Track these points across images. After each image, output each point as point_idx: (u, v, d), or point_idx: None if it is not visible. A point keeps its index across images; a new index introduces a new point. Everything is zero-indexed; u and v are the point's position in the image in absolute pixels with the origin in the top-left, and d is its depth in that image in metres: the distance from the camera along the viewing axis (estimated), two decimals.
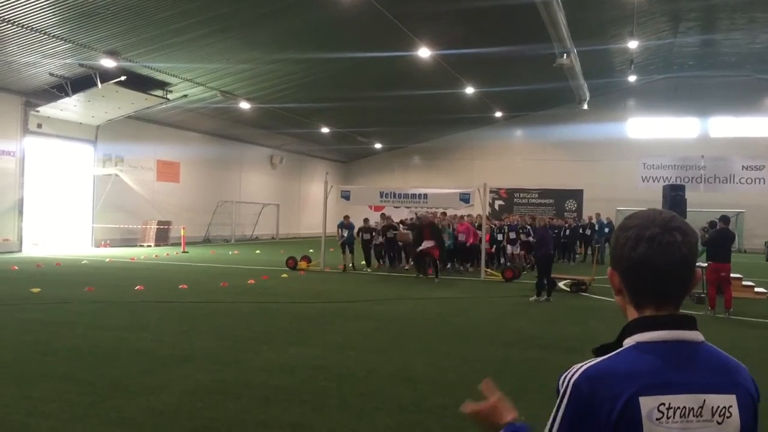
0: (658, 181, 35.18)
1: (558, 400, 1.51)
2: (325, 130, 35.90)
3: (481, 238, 19.54)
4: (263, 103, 28.56)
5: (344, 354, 8.41)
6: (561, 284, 16.54)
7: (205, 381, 6.82)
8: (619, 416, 1.42)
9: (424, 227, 18.05)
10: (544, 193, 41.00)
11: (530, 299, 13.90)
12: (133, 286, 14.22)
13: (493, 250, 22.06)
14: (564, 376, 1.52)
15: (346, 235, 20.19)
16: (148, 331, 9.70)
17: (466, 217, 22.05)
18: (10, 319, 10.31)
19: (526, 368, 7.88)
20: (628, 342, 1.52)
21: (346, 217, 20.64)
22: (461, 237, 19.91)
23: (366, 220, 21.04)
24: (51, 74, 22.06)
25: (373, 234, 20.87)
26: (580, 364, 1.52)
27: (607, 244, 26.07)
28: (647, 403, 1.43)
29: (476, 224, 21.00)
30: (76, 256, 22.46)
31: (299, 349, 8.62)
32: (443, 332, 10.28)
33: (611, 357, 1.50)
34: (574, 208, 38.96)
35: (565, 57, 22.45)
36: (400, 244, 20.87)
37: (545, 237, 14.45)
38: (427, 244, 17.52)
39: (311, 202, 41.59)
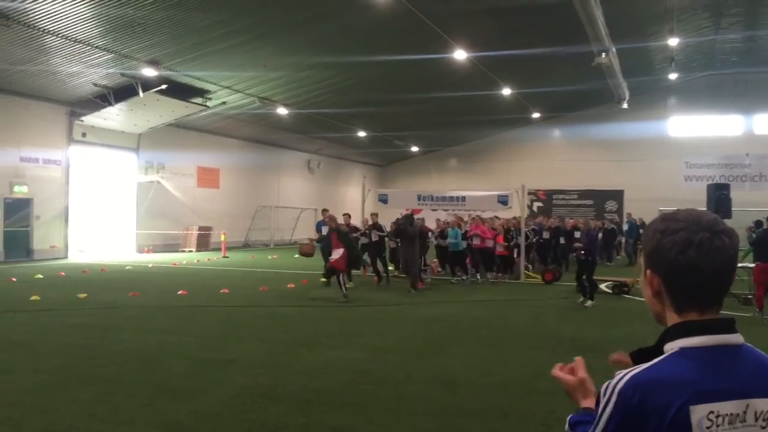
0: (702, 181, 34.37)
1: (601, 407, 1.48)
2: (361, 133, 36.05)
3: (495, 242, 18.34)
4: (300, 109, 28.81)
5: (384, 357, 8.44)
6: (602, 286, 16.31)
7: (247, 384, 6.91)
8: (670, 426, 1.40)
9: (331, 233, 14.87)
10: (583, 194, 40.49)
11: (580, 302, 13.61)
12: (176, 290, 14.47)
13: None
14: (607, 383, 1.50)
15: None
16: (191, 335, 9.87)
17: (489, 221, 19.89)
18: (58, 324, 10.59)
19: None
20: (671, 347, 1.49)
21: (346, 215, 17.99)
22: (476, 241, 17.52)
23: (347, 216, 17.80)
24: (94, 84, 22.61)
25: (358, 234, 17.74)
26: (624, 371, 1.50)
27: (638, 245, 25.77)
28: (697, 412, 1.41)
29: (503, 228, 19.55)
30: (120, 262, 22.94)
31: (339, 352, 8.67)
32: (482, 335, 10.23)
33: (657, 364, 1.48)
34: (614, 209, 38.41)
35: (603, 56, 22.15)
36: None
37: (592, 240, 14.28)
38: (336, 254, 14.22)
39: (349, 206, 41.76)
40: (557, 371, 1.80)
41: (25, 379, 7.04)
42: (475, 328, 10.86)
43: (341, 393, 6.66)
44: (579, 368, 1.78)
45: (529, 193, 36.96)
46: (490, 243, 17.78)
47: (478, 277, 17.95)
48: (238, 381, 7.05)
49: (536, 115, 37.77)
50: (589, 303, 13.51)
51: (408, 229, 16.29)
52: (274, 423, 5.68)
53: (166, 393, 6.56)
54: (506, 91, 30.25)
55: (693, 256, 1.47)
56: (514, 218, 20.86)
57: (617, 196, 39.39)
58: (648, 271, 1.58)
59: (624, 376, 1.48)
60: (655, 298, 1.59)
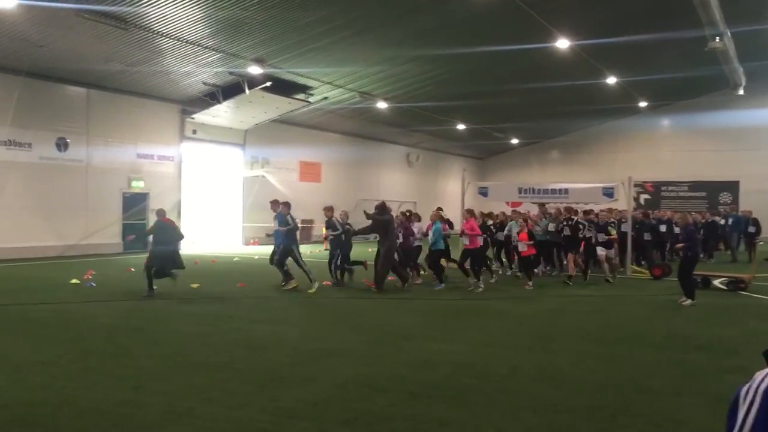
0: None
1: (744, 411, 1.42)
2: (461, 126, 35.85)
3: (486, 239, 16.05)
4: (399, 102, 28.97)
5: (486, 351, 8.39)
6: (716, 282, 15.52)
7: (351, 374, 7.05)
8: None
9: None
10: (695, 185, 38.64)
11: (682, 302, 12.62)
12: (280, 281, 14.86)
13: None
14: (749, 384, 1.44)
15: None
16: (295, 325, 10.18)
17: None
18: (175, 312, 11.18)
19: (681, 370, 7.48)
20: None
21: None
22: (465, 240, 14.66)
23: (328, 210, 15.03)
24: (204, 83, 23.65)
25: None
26: (764, 371, 1.43)
27: (741, 241, 23.71)
28: None
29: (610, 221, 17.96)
30: (228, 253, 23.88)
31: (440, 345, 8.69)
32: (587, 331, 9.97)
33: None
34: (729, 201, 36.41)
35: (717, 40, 21.01)
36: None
37: (692, 235, 13.36)
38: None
39: (448, 199, 41.66)
40: None
41: (145, 363, 7.47)
42: (579, 324, 10.60)
43: (444, 385, 6.68)
44: None
45: (636, 185, 35.56)
46: (480, 241, 14.77)
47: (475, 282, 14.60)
48: (343, 371, 7.21)
49: (643, 103, 36.32)
50: (687, 302, 12.56)
51: (376, 221, 14.13)
52: (379, 413, 5.76)
53: (275, 380, 6.79)
54: (611, 80, 29.26)
55: None
56: (601, 211, 18.94)
57: (732, 187, 37.35)
58: None
59: (766, 376, 1.41)
60: None
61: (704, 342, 9.21)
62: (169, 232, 13.25)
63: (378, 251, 14.59)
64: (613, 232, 16.87)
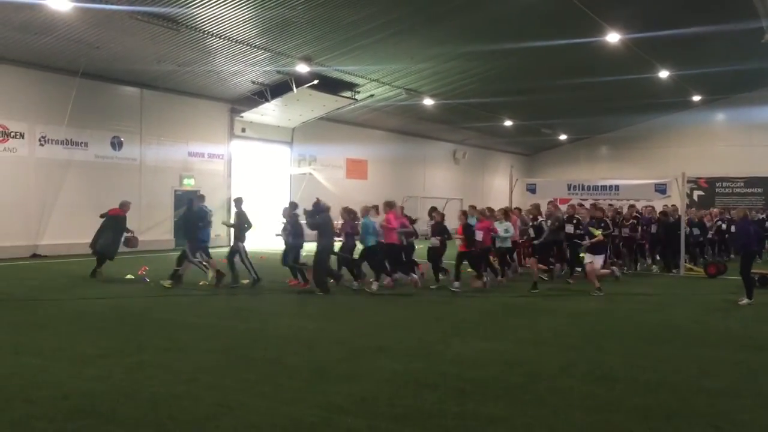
0: None
1: None
2: (508, 123, 35.50)
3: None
4: (446, 99, 28.85)
5: (536, 350, 8.31)
6: None
7: (400, 371, 7.06)
8: None
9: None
10: (750, 181, 37.45)
11: (739, 302, 12.26)
12: (328, 278, 14.92)
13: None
14: None
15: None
16: (344, 322, 10.25)
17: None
18: (225, 308, 11.39)
19: (738, 370, 7.29)
20: None
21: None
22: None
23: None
24: (253, 82, 23.97)
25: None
26: None
27: None
28: None
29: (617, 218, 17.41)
30: (277, 250, 24.11)
31: (489, 343, 8.65)
32: (639, 330, 9.79)
33: None
34: None
35: None
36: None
37: (744, 230, 12.89)
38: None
39: (495, 196, 41.35)
40: None
41: (199, 358, 7.62)
42: (631, 323, 10.41)
43: (494, 383, 6.64)
44: None
45: (689, 181, 34.71)
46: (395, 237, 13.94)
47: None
48: (392, 367, 7.23)
49: (697, 98, 35.36)
50: (744, 301, 12.18)
51: (310, 221, 13.62)
52: (429, 410, 5.77)
53: (324, 375, 6.86)
54: (663, 74, 28.56)
55: None
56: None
57: None
58: None
59: None
60: None
61: (762, 341, 8.95)
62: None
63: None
64: (597, 233, 13.99)
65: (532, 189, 20.29)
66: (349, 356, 7.78)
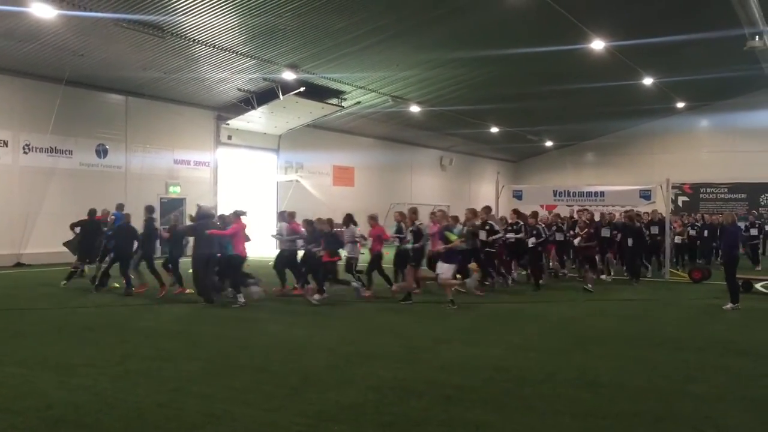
0: None
1: None
2: (494, 129, 35.66)
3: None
4: (432, 106, 28.94)
5: (523, 355, 8.32)
6: (758, 286, 15.19)
7: (387, 378, 7.04)
8: None
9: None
10: (734, 187, 37.84)
11: (724, 307, 12.27)
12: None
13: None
14: None
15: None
16: (331, 329, 10.22)
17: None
18: (211, 316, 11.32)
19: (724, 375, 7.32)
20: None
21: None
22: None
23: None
24: (239, 89, 23.94)
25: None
26: None
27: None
28: None
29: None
30: (263, 257, 24.04)
31: (478, 349, 8.65)
32: (626, 335, 9.83)
33: None
34: None
35: (757, 39, 20.55)
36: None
37: (734, 235, 12.96)
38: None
39: (481, 203, 41.43)
40: None
41: (184, 366, 7.57)
42: (617, 328, 10.46)
43: (481, 389, 6.64)
44: None
45: (674, 187, 34.98)
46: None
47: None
48: (379, 374, 7.21)
49: (681, 104, 35.71)
50: (728, 306, 12.19)
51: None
52: (415, 417, 5.75)
53: (311, 383, 6.82)
54: (647, 81, 28.84)
55: None
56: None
57: None
58: None
59: None
60: None
61: (748, 347, 9.01)
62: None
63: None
64: (453, 237, 12.64)
65: (518, 195, 20.36)
66: (337, 364, 7.75)
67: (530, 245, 15.43)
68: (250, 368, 7.48)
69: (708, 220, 22.20)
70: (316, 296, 12.62)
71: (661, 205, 19.17)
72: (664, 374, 7.37)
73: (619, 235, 17.34)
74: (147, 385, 6.70)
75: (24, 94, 19.91)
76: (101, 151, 22.10)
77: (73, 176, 21.21)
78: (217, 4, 16.47)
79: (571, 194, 19.54)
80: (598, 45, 22.52)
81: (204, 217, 13.30)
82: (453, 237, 12.47)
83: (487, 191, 41.28)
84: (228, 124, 25.85)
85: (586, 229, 15.68)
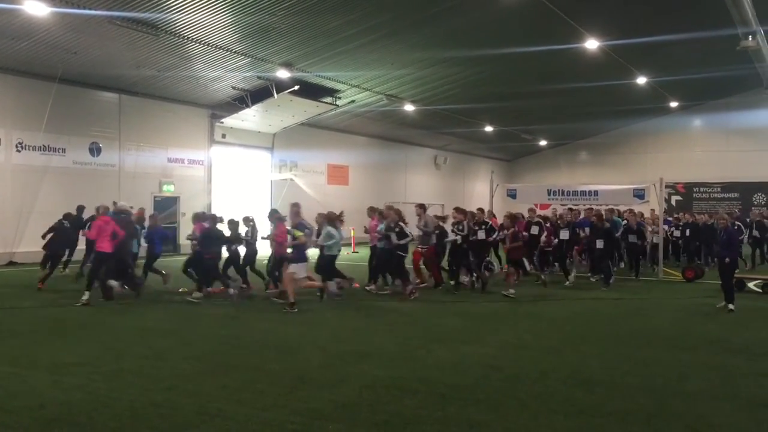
0: None
1: None
2: (488, 128, 35.69)
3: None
4: (427, 105, 28.93)
5: (517, 354, 8.34)
6: (751, 285, 15.25)
7: (381, 377, 7.05)
8: None
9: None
10: (727, 186, 37.99)
11: (718, 305, 12.30)
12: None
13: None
14: None
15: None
16: (326, 327, 10.22)
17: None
18: (206, 314, 11.30)
19: (716, 374, 7.35)
20: None
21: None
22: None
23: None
24: (233, 87, 23.87)
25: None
26: None
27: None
28: None
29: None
30: (258, 256, 23.98)
31: (472, 348, 8.66)
32: (620, 334, 9.86)
33: None
34: (763, 202, 35.75)
35: (750, 39, 20.65)
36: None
37: (734, 236, 12.97)
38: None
39: (476, 202, 41.52)
40: None
41: (178, 365, 7.56)
42: (611, 327, 10.49)
43: (475, 388, 6.65)
44: None
45: (667, 186, 35.09)
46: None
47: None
48: (373, 372, 7.21)
49: (674, 103, 35.79)
50: (721, 304, 12.20)
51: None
52: (410, 415, 5.76)
53: (306, 382, 6.82)
54: (641, 80, 28.90)
55: None
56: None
57: (766, 188, 36.64)
58: None
59: None
60: None
61: (740, 345, 9.05)
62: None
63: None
64: (299, 234, 12.41)
65: (512, 194, 20.40)
66: (331, 362, 7.75)
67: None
68: (243, 367, 7.47)
69: (690, 220, 21.88)
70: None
71: (654, 204, 19.23)
72: (657, 373, 7.40)
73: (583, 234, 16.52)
74: (140, 384, 6.68)
75: (17, 92, 19.80)
76: (95, 150, 22.01)
77: (67, 174, 21.11)
78: (212, 2, 16.41)
79: (565, 193, 19.57)
80: (592, 44, 22.57)
81: (119, 214, 13.64)
82: (299, 234, 12.41)
83: (481, 190, 41.32)
84: (222, 123, 25.77)
85: (512, 229, 14.60)
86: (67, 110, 20.86)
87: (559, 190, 19.90)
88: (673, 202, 37.59)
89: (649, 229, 19.31)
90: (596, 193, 19.09)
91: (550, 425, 5.58)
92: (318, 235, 14.08)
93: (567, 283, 16.09)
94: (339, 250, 14.10)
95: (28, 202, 20.08)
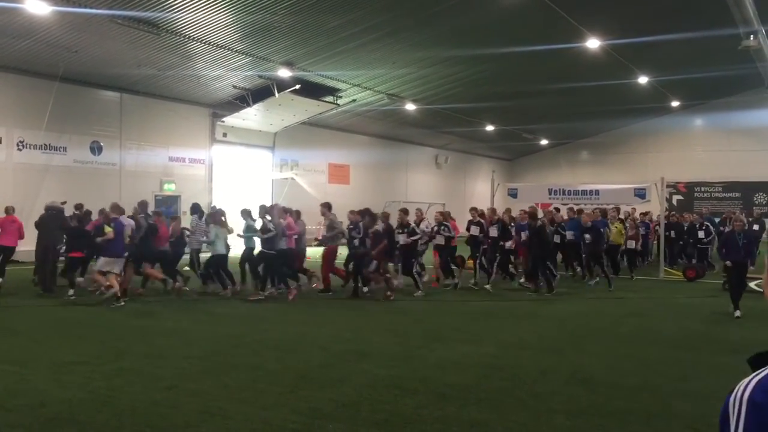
0: None
1: (734, 424, 1.35)
2: (489, 128, 35.67)
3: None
4: (428, 104, 28.92)
5: (518, 353, 8.34)
6: (752, 285, 15.21)
7: (382, 376, 7.05)
8: None
9: None
10: (729, 186, 37.96)
11: (736, 315, 11.71)
12: (311, 283, 14.90)
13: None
14: (734, 395, 1.37)
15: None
16: (327, 327, 10.21)
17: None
18: (206, 314, 11.30)
19: (716, 374, 7.35)
20: None
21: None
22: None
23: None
24: (234, 87, 23.88)
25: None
26: (747, 379, 1.37)
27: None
28: None
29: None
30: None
31: (472, 347, 8.66)
32: (621, 333, 9.87)
33: None
34: (765, 202, 35.73)
35: (751, 38, 20.65)
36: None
37: (753, 239, 12.80)
38: None
39: (477, 201, 41.50)
40: None
41: (178, 364, 7.56)
42: (612, 327, 10.49)
43: (475, 388, 6.65)
44: None
45: (668, 186, 35.05)
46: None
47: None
48: (374, 372, 7.21)
49: (675, 103, 35.77)
50: (738, 313, 11.80)
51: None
52: (410, 415, 5.76)
53: (306, 381, 6.83)
54: (642, 80, 28.87)
55: None
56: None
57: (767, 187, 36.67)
58: None
59: (749, 383, 1.35)
60: None
61: (741, 345, 9.02)
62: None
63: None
64: (108, 230, 12.32)
65: (513, 194, 20.41)
66: (331, 361, 7.75)
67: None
68: (244, 366, 7.47)
69: (672, 220, 21.13)
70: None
71: (656, 203, 19.22)
72: (658, 372, 7.40)
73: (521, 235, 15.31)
74: (141, 383, 6.69)
75: (18, 90, 19.82)
76: (96, 148, 22.03)
77: (68, 173, 21.12)
78: (213, 2, 16.42)
79: (566, 192, 19.59)
80: (593, 43, 22.56)
81: (49, 210, 14.32)
82: (108, 230, 12.51)
83: (482, 189, 41.27)
84: (223, 122, 25.78)
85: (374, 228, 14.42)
86: (68, 109, 20.86)
87: (560, 190, 19.92)
88: (675, 202, 37.57)
89: (631, 232, 18.16)
90: (597, 192, 19.10)
91: (550, 425, 5.58)
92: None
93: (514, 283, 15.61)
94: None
95: (29, 201, 20.07)
